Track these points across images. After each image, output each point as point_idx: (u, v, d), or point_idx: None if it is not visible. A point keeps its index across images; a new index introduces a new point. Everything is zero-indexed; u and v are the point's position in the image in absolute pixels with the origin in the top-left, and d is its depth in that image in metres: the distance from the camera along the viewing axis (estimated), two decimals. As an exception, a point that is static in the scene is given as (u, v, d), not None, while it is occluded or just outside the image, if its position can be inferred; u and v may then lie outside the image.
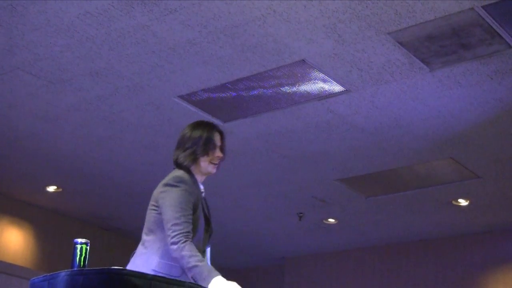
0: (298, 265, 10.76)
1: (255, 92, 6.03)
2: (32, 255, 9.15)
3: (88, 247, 3.11)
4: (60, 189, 8.54)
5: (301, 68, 5.61)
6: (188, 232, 3.38)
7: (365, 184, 7.88)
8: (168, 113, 6.46)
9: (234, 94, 6.08)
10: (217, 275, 3.28)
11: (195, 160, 3.64)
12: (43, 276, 3.01)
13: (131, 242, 8.02)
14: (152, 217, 3.50)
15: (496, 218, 8.68)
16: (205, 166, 3.66)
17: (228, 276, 3.37)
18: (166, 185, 3.51)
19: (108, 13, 4.98)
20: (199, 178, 3.68)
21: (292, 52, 5.39)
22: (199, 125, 3.73)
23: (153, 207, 3.52)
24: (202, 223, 3.56)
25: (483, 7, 4.73)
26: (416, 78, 5.67)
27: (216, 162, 3.70)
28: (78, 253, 3.08)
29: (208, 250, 3.69)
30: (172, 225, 3.38)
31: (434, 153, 7.02)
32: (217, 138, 3.71)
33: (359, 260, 10.19)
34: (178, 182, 3.51)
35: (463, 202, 8.20)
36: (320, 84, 5.85)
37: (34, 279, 3.06)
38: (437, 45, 5.21)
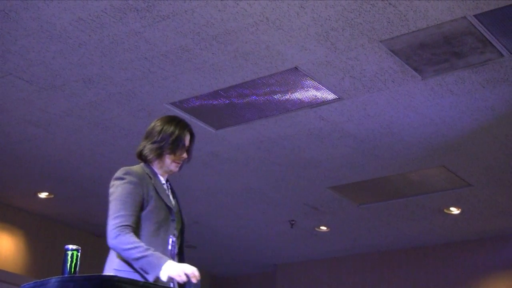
0: (289, 272, 10.74)
1: (248, 99, 6.03)
2: (23, 261, 9.11)
3: (79, 254, 3.10)
4: (52, 195, 8.51)
5: (293, 75, 5.61)
6: (126, 225, 3.31)
7: (357, 191, 7.89)
8: (161, 119, 6.44)
9: (226, 101, 6.07)
10: (166, 261, 3.21)
11: (160, 155, 3.58)
12: (34, 283, 3.00)
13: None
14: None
15: (487, 225, 8.70)
16: (168, 164, 3.59)
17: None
18: (114, 179, 3.52)
19: (100, 20, 4.98)
20: (160, 173, 3.61)
21: (285, 59, 5.40)
22: (173, 120, 3.64)
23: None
24: (161, 213, 3.45)
25: (475, 15, 4.75)
26: (408, 86, 5.68)
27: (180, 162, 3.63)
28: (69, 259, 3.07)
29: (172, 240, 3.47)
30: (110, 219, 3.35)
31: (426, 161, 7.03)
32: (187, 138, 3.63)
33: (351, 268, 10.19)
34: (125, 174, 3.50)
35: (454, 211, 8.21)
36: (313, 92, 5.85)
37: (24, 286, 3.05)
38: (429, 53, 5.22)
